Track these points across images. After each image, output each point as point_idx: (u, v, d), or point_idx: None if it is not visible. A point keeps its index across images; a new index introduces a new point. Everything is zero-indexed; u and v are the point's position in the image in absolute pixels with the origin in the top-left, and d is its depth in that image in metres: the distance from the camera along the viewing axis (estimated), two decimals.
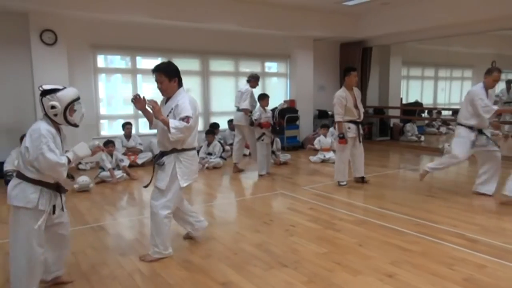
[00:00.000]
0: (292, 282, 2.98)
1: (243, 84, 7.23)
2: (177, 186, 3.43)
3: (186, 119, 3.26)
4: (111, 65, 8.33)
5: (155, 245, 3.45)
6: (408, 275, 3.06)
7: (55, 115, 2.70)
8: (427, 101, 13.38)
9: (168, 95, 3.45)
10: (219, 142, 8.15)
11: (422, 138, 11.14)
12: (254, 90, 7.09)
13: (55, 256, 2.93)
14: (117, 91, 8.44)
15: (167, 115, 3.31)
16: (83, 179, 5.90)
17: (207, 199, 5.65)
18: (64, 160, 2.66)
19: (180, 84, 3.46)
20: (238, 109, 7.02)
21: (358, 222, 4.36)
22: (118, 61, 8.47)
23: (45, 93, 2.70)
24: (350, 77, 5.87)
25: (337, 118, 5.81)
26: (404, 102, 12.49)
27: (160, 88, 3.41)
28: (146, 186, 3.62)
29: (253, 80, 7.12)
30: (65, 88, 2.76)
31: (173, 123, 3.21)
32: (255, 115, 6.71)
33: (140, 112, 3.53)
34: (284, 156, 8.01)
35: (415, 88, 13.62)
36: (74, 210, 4.97)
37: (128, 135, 7.86)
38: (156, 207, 3.43)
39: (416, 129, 11.31)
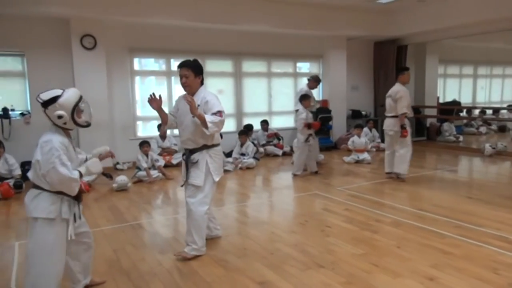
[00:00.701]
0: (329, 283, 2.95)
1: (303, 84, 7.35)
2: (211, 181, 3.55)
3: (218, 113, 3.38)
4: (145, 68, 8.54)
5: (192, 242, 3.50)
6: (450, 278, 2.97)
7: (65, 123, 2.58)
8: (465, 100, 12.96)
9: (191, 91, 3.50)
10: (252, 142, 8.19)
11: (461, 138, 10.79)
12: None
13: (81, 265, 2.86)
14: (151, 92, 8.63)
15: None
16: (121, 179, 6.08)
17: (241, 199, 5.69)
18: (76, 175, 2.52)
19: (201, 82, 3.57)
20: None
21: (395, 223, 4.27)
22: (151, 63, 8.67)
23: (46, 104, 2.54)
24: (404, 76, 6.18)
25: (403, 109, 5.98)
26: (441, 101, 12.15)
27: (185, 83, 3.47)
28: (183, 185, 3.68)
29: (312, 80, 7.21)
30: (64, 91, 2.60)
31: (209, 118, 3.31)
32: (302, 115, 6.66)
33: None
34: (318, 157, 7.95)
35: (453, 87, 13.21)
36: (114, 209, 5.14)
37: (163, 136, 8.03)
38: (194, 204, 3.50)
39: (454, 129, 10.96)
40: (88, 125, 2.73)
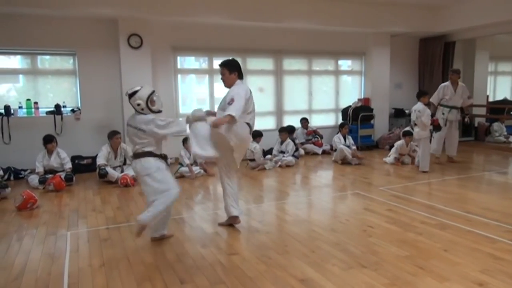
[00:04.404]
0: (373, 284, 2.91)
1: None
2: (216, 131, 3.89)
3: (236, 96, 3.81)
4: (186, 66, 8.70)
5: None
6: (501, 285, 2.84)
7: (142, 109, 3.68)
8: None
9: (227, 86, 4.04)
10: (293, 141, 8.16)
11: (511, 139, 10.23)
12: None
13: (161, 220, 3.84)
14: (191, 90, 8.82)
15: (221, 101, 4.03)
16: None
17: (281, 197, 5.69)
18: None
19: (240, 77, 4.03)
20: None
21: (442, 226, 4.13)
22: (192, 62, 8.82)
23: (130, 96, 3.67)
24: None
25: None
26: (490, 99, 11.57)
27: (222, 79, 4.04)
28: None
29: (452, 74, 7.42)
30: (142, 87, 3.70)
31: (230, 111, 3.72)
32: (427, 111, 6.80)
33: (215, 110, 4.20)
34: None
35: (504, 85, 12.55)
36: None
37: None
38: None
39: (505, 129, 10.41)
40: (159, 111, 3.77)
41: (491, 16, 8.40)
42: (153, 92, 3.72)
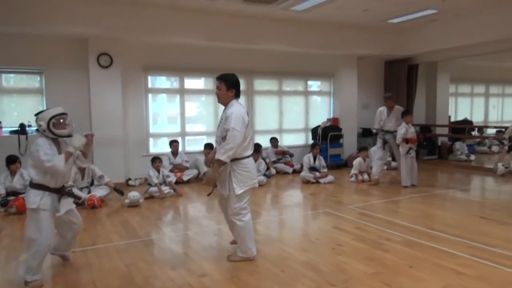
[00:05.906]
0: None
1: None
2: (233, 193, 3.67)
3: (231, 130, 3.51)
4: (157, 86, 8.68)
5: (239, 250, 3.84)
6: None
7: (44, 130, 3.39)
8: (477, 119, 12.88)
9: (222, 103, 3.74)
10: (264, 160, 8.22)
11: (472, 157, 10.69)
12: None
13: (64, 241, 3.74)
14: (162, 110, 8.79)
15: (219, 123, 3.77)
16: (133, 194, 6.15)
17: (252, 216, 5.66)
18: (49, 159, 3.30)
19: (236, 96, 3.73)
20: None
21: (407, 243, 4.25)
22: (163, 81, 8.82)
23: (35, 116, 3.47)
24: None
25: None
26: (452, 120, 12.10)
27: (217, 94, 3.72)
28: (208, 195, 3.94)
29: (385, 100, 7.73)
30: (51, 108, 3.54)
31: (217, 154, 3.57)
32: (401, 130, 7.12)
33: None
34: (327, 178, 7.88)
35: (464, 106, 13.17)
36: (126, 224, 5.19)
37: (175, 152, 8.11)
38: (231, 216, 3.78)
39: (466, 148, 10.88)
40: (69, 135, 3.49)
41: (451, 41, 8.88)
42: (61, 114, 3.42)
